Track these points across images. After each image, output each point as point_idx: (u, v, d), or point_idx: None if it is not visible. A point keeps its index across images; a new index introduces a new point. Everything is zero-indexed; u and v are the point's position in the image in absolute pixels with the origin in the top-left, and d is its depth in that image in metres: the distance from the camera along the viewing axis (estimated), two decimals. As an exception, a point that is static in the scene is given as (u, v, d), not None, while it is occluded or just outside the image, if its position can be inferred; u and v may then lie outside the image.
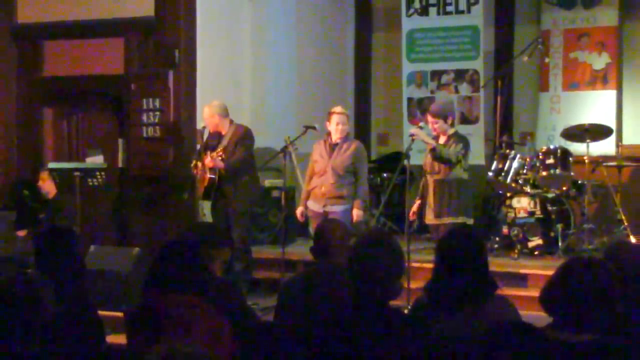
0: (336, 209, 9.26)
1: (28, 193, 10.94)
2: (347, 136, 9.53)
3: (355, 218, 9.32)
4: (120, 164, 11.53)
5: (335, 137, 9.43)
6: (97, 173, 10.47)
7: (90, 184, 10.37)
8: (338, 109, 9.54)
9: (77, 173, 10.29)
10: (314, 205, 9.45)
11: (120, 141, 11.60)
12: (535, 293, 4.64)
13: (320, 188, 9.40)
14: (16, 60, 12.09)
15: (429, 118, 9.45)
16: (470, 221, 9.29)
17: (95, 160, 11.12)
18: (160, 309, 4.82)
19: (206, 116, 10.20)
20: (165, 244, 5.18)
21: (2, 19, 11.97)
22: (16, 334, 4.27)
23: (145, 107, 11.17)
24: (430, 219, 9.38)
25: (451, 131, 9.32)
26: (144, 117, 11.17)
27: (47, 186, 10.65)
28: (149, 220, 11.09)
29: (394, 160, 11.71)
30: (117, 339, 5.38)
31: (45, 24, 11.86)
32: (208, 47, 11.31)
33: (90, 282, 5.84)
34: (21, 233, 10.25)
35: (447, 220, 9.09)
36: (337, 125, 9.39)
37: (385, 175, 12.04)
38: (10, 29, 12.02)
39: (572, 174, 10.67)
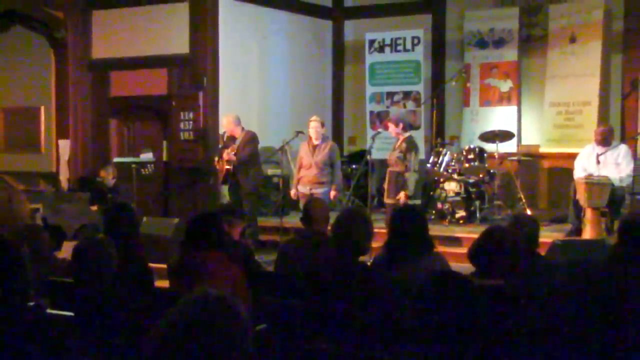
0: (319, 191, 9.25)
1: (99, 180, 10.93)
2: (324, 138, 9.53)
3: (332, 197, 9.34)
4: (164, 159, 11.54)
5: (313, 137, 9.43)
6: (148, 165, 10.48)
7: (143, 173, 10.37)
8: (313, 117, 9.57)
9: (133, 165, 10.30)
10: (303, 188, 9.45)
11: (164, 142, 11.60)
12: (466, 251, 4.64)
13: (307, 177, 9.41)
14: (91, 85, 12.10)
15: (389, 124, 9.40)
16: (417, 202, 9.22)
17: (147, 156, 11.09)
18: (193, 262, 4.82)
19: (225, 124, 10.19)
20: (197, 216, 5.17)
21: (81, 56, 12.02)
22: (90, 279, 4.27)
23: (182, 118, 11.18)
24: (386, 199, 9.30)
25: (405, 135, 9.23)
26: (181, 125, 11.18)
27: (107, 176, 10.69)
28: (185, 198, 11.10)
29: (359, 156, 11.71)
30: (163, 283, 5.38)
31: (112, 59, 11.88)
32: (227, 75, 11.30)
33: (143, 242, 5.82)
34: (94, 208, 10.23)
35: (395, 201, 9.03)
36: (311, 129, 9.43)
37: (354, 166, 12.02)
38: (87, 63, 12.03)
39: (486, 165, 10.69)
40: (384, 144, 10.73)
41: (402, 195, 8.92)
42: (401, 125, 9.27)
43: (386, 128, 9.71)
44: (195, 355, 2.09)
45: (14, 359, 2.78)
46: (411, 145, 9.13)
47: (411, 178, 9.00)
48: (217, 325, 2.11)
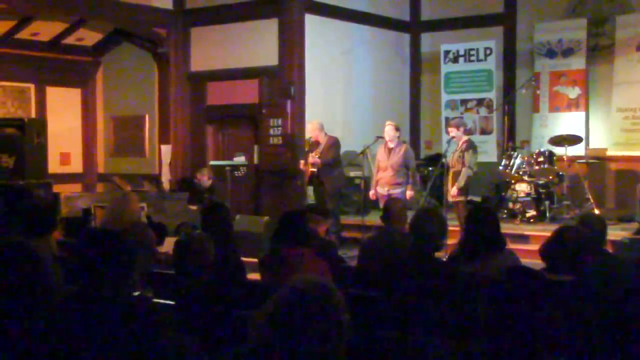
0: (396, 191, 9.21)
1: (195, 181, 11.10)
2: (398, 142, 9.49)
3: (408, 197, 9.26)
4: (255, 162, 11.64)
5: (388, 140, 9.41)
6: (241, 168, 10.60)
7: (236, 175, 10.50)
8: (388, 121, 9.58)
9: (227, 168, 10.44)
10: (381, 189, 9.42)
11: (255, 146, 11.70)
12: (533, 248, 4.57)
13: (384, 178, 9.38)
14: (189, 94, 12.30)
15: (450, 128, 9.36)
16: (476, 198, 9.14)
17: (239, 159, 11.22)
18: (282, 256, 4.86)
19: (310, 130, 10.25)
20: (286, 214, 5.21)
21: (181, 69, 12.22)
22: (190, 271, 4.34)
23: (271, 124, 11.27)
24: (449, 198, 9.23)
25: (465, 138, 9.20)
26: (271, 131, 11.27)
27: (202, 178, 10.81)
28: (274, 198, 11.18)
29: (435, 159, 11.60)
30: (254, 276, 5.43)
31: (208, 71, 12.06)
32: (312, 85, 11.35)
33: (237, 238, 5.89)
34: (193, 207, 10.40)
35: (457, 199, 9.02)
36: (385, 133, 9.43)
37: (430, 169, 11.90)
38: (186, 75, 12.25)
39: (555, 168, 10.49)
40: (457, 148, 10.63)
41: (454, 190, 8.91)
42: (462, 129, 9.25)
43: (448, 132, 9.65)
44: (304, 330, 2.19)
45: (121, 342, 2.85)
46: (470, 145, 9.13)
47: (464, 173, 8.98)
48: (319, 305, 2.24)
